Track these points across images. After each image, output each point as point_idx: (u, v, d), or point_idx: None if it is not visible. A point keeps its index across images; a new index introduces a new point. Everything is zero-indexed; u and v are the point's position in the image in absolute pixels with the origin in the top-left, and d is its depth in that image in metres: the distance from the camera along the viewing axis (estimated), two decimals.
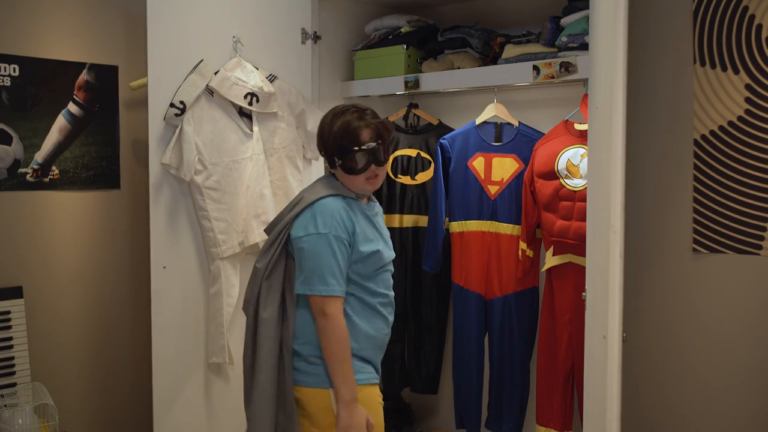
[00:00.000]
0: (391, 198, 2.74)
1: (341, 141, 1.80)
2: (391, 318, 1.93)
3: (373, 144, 1.81)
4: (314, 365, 1.81)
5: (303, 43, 2.60)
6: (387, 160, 1.87)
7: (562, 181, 2.27)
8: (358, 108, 1.86)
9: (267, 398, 1.80)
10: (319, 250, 1.77)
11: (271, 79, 2.45)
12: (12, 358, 2.37)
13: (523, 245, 2.41)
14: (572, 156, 2.26)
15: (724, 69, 2.11)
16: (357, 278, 1.84)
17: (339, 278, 1.77)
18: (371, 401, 1.84)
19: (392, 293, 1.93)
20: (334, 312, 1.77)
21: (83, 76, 2.62)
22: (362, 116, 1.83)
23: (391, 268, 1.95)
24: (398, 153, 2.74)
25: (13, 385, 2.36)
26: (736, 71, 2.09)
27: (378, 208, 2.00)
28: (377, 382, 1.89)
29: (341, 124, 1.81)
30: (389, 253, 1.92)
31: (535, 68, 2.26)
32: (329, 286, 1.76)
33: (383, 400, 1.93)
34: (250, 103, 2.36)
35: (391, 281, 1.94)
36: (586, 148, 2.05)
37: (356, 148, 1.80)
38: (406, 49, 2.65)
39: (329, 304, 1.77)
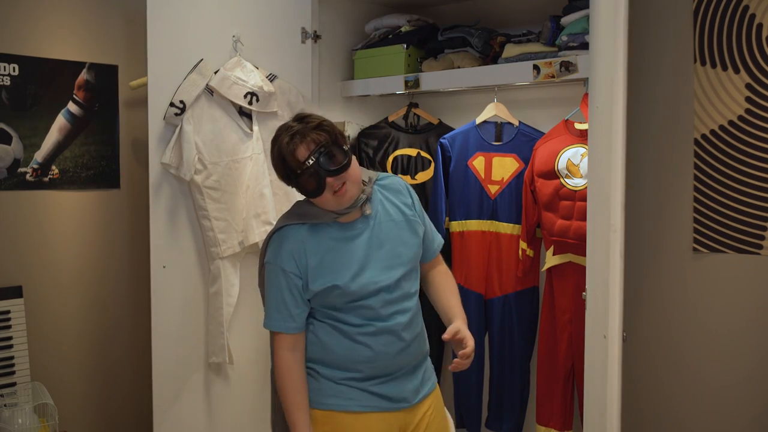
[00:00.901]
0: None
1: (283, 170, 1.64)
2: (383, 347, 1.67)
3: (313, 159, 1.59)
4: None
5: (303, 42, 2.60)
6: (345, 162, 1.61)
7: (562, 180, 2.27)
8: (293, 122, 1.67)
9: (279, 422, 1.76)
10: (269, 281, 1.68)
11: (271, 78, 2.44)
12: (12, 357, 2.37)
13: (523, 245, 2.41)
14: (572, 155, 2.26)
15: (724, 68, 2.11)
16: (325, 309, 1.69)
17: (284, 312, 1.65)
18: (338, 428, 1.68)
19: (383, 322, 1.66)
20: (277, 348, 1.67)
21: (83, 75, 2.62)
22: (294, 133, 1.62)
23: (380, 297, 1.66)
24: (398, 152, 2.74)
25: (13, 384, 2.36)
26: (737, 70, 2.08)
27: (381, 218, 1.72)
28: (362, 410, 1.68)
29: (276, 151, 1.65)
30: (368, 282, 1.65)
31: (536, 67, 2.26)
32: (271, 320, 1.67)
33: None
34: (250, 103, 2.36)
35: (382, 310, 1.66)
36: (587, 147, 2.05)
37: (298, 171, 1.60)
38: (406, 48, 2.65)
39: (274, 339, 1.68)
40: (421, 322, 1.79)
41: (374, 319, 1.66)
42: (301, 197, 1.73)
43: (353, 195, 1.64)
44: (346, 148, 1.64)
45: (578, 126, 2.30)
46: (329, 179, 1.59)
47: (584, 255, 1.91)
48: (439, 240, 1.88)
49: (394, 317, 1.68)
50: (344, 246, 1.67)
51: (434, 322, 2.80)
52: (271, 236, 1.71)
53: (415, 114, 2.80)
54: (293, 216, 1.70)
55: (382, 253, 1.69)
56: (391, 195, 1.78)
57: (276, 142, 1.67)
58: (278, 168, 1.66)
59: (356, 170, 1.66)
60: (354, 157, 1.67)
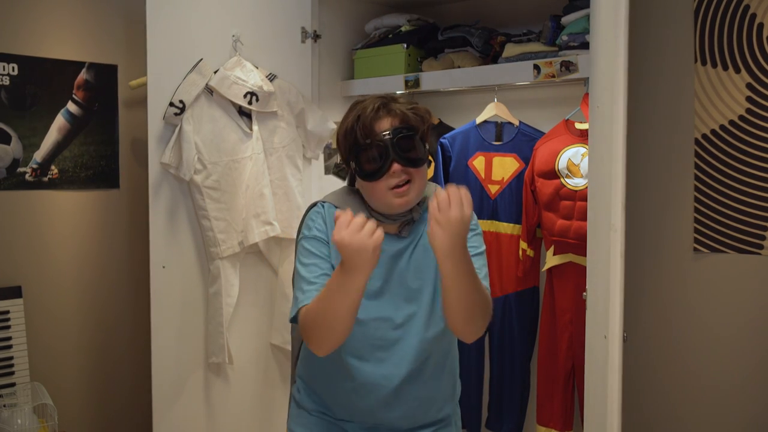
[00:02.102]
0: None
1: (351, 140, 1.42)
2: (367, 388, 1.46)
3: (390, 134, 1.37)
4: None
5: (303, 42, 2.59)
6: (422, 158, 1.41)
7: (562, 180, 2.27)
8: (386, 96, 1.47)
9: None
10: (302, 255, 1.45)
11: (271, 78, 2.44)
12: (11, 358, 2.37)
13: (523, 245, 2.41)
14: (573, 155, 2.26)
15: (725, 68, 2.10)
16: None
17: (305, 287, 1.40)
18: None
19: (374, 365, 1.44)
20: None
21: (82, 75, 2.62)
22: (381, 104, 1.42)
23: (383, 331, 1.45)
24: None
25: (12, 385, 2.35)
26: (737, 70, 2.08)
27: (421, 244, 1.46)
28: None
29: (351, 120, 1.43)
30: (384, 312, 1.44)
31: (536, 67, 2.26)
32: (295, 302, 1.42)
33: None
34: (250, 102, 2.35)
35: (380, 350, 1.45)
36: (587, 147, 2.04)
37: (367, 141, 1.38)
38: (406, 48, 2.64)
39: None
40: (439, 384, 1.52)
41: (372, 351, 1.45)
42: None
43: (409, 201, 1.42)
44: (427, 147, 1.46)
45: (579, 126, 2.29)
46: (396, 166, 1.38)
47: (585, 255, 1.91)
48: (481, 277, 1.46)
49: (390, 361, 1.45)
50: (383, 260, 1.45)
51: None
52: (307, 212, 1.54)
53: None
54: (332, 197, 1.53)
55: (402, 289, 1.46)
56: None
57: (354, 109, 1.45)
58: (345, 138, 1.43)
59: (426, 174, 1.45)
60: (429, 164, 1.52)
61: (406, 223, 1.47)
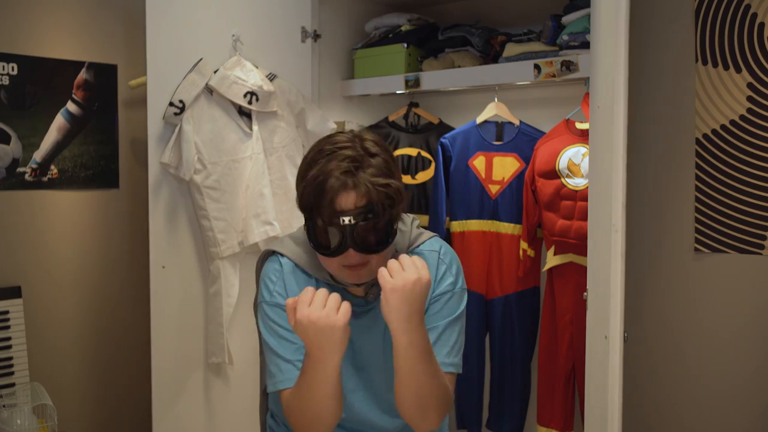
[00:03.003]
0: None
1: (309, 198, 1.22)
2: None
3: (351, 220, 1.18)
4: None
5: (303, 41, 2.59)
6: (384, 242, 1.22)
7: (563, 180, 2.26)
8: (359, 151, 1.21)
9: None
10: (264, 326, 1.31)
11: (271, 77, 2.44)
12: (11, 358, 2.36)
13: (524, 245, 2.40)
14: (573, 155, 2.25)
15: (726, 68, 2.10)
16: None
17: (282, 366, 1.26)
18: None
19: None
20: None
21: (82, 74, 2.61)
22: (349, 170, 1.19)
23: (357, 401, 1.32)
24: (399, 152, 2.73)
25: (12, 385, 2.35)
26: (738, 70, 2.08)
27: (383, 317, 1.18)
28: None
29: (315, 173, 1.21)
30: (372, 387, 1.32)
31: (536, 67, 2.25)
32: (272, 378, 1.28)
33: None
34: (250, 102, 2.35)
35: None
36: (588, 147, 2.04)
37: (323, 218, 1.19)
38: (407, 47, 2.64)
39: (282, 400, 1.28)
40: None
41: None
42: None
43: (364, 279, 1.25)
44: (395, 225, 1.25)
45: (579, 125, 2.29)
46: (351, 252, 1.20)
47: (585, 255, 1.90)
48: (442, 359, 1.30)
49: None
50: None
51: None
52: (262, 262, 1.38)
53: (415, 113, 2.79)
54: (290, 249, 1.35)
55: (386, 361, 1.28)
56: None
57: (316, 161, 1.22)
58: (302, 195, 1.24)
59: (389, 252, 1.26)
60: (404, 217, 1.30)
61: (373, 284, 1.29)
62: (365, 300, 1.32)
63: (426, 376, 1.19)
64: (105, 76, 2.67)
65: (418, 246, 1.37)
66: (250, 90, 2.34)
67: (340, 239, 1.19)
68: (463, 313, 1.35)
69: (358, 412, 1.32)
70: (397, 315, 1.12)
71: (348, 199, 1.19)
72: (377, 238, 1.21)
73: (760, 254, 2.06)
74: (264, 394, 1.52)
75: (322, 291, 1.12)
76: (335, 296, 1.12)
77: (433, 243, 1.38)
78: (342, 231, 1.18)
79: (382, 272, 1.13)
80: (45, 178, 2.54)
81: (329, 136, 1.28)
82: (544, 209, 2.32)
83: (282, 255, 1.34)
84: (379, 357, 1.32)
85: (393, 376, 1.23)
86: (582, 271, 2.09)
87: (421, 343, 1.16)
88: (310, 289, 1.13)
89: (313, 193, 1.20)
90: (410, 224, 1.39)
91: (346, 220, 1.18)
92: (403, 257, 1.15)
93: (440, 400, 1.24)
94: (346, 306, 1.12)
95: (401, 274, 1.12)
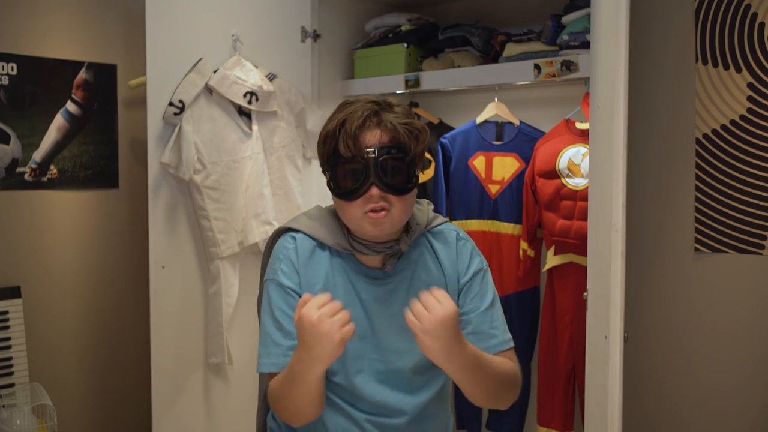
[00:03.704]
0: None
1: (329, 147, 1.23)
2: None
3: (374, 153, 1.19)
4: None
5: (303, 41, 2.59)
6: (407, 185, 1.22)
7: (563, 180, 2.26)
8: (381, 101, 1.25)
9: None
10: (264, 303, 1.31)
11: (271, 77, 2.43)
12: (10, 358, 2.36)
13: (524, 245, 2.40)
14: (573, 155, 2.25)
15: (726, 67, 2.10)
16: None
17: (271, 349, 1.26)
18: None
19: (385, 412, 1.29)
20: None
21: (82, 74, 2.61)
22: (377, 111, 1.22)
23: (366, 381, 1.28)
24: None
25: (12, 385, 2.35)
26: (738, 70, 2.07)
27: (414, 284, 1.28)
28: None
29: (339, 118, 1.23)
30: (357, 360, 1.28)
31: (536, 67, 2.25)
32: (259, 360, 1.28)
33: None
34: (250, 102, 2.35)
35: (385, 394, 1.29)
36: (588, 147, 2.04)
37: (347, 155, 1.20)
38: (407, 47, 2.64)
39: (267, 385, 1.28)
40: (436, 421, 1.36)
41: (371, 407, 1.29)
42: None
43: (383, 231, 1.23)
44: (418, 173, 1.26)
45: (579, 125, 2.29)
46: (375, 190, 1.19)
47: (585, 255, 1.90)
48: (500, 339, 1.32)
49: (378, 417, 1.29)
50: (350, 296, 1.28)
51: None
52: (274, 239, 1.37)
53: (415, 113, 2.79)
54: (306, 224, 1.34)
55: (392, 331, 1.29)
56: (441, 249, 1.35)
57: (341, 111, 1.25)
58: (325, 143, 1.24)
59: (410, 202, 1.26)
60: (416, 190, 1.28)
61: (391, 255, 1.29)
62: (383, 272, 1.30)
63: (487, 381, 1.21)
64: (105, 76, 2.67)
65: (437, 226, 1.38)
66: (249, 90, 2.33)
67: (364, 173, 1.19)
68: (495, 294, 1.37)
69: (371, 393, 1.28)
70: (437, 353, 1.12)
71: (372, 136, 1.21)
72: (401, 177, 1.21)
73: (760, 254, 2.06)
74: (264, 397, 1.49)
75: (338, 303, 1.12)
76: (346, 313, 1.12)
77: (449, 225, 1.41)
78: (366, 164, 1.19)
79: (409, 317, 1.11)
80: (45, 178, 2.54)
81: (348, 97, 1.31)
82: (544, 209, 2.32)
83: (297, 231, 1.33)
84: (395, 332, 1.29)
85: (410, 352, 1.26)
86: (582, 271, 2.09)
87: (469, 362, 1.16)
88: (327, 295, 1.12)
89: (335, 136, 1.21)
90: (426, 205, 1.41)
91: (371, 152, 1.19)
92: (422, 295, 1.12)
93: (508, 386, 1.27)
94: (351, 327, 1.11)
95: (427, 317, 1.09)
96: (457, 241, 1.37)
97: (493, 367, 1.22)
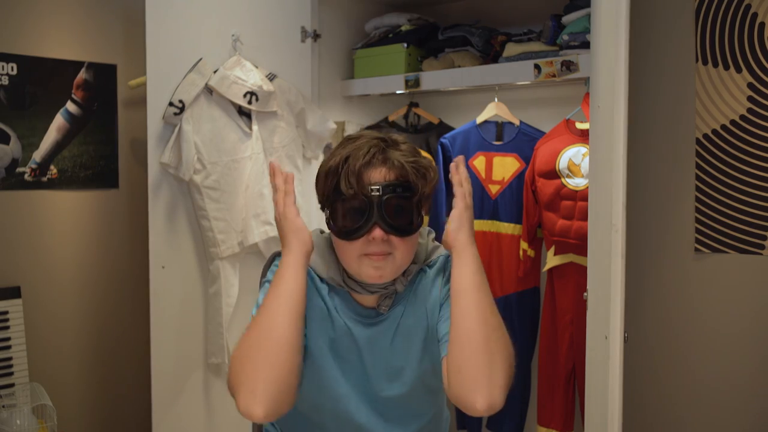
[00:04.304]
0: None
1: (334, 179, 1.15)
2: None
3: (379, 191, 1.12)
4: None
5: (303, 41, 2.59)
6: (412, 227, 1.16)
7: (563, 180, 2.26)
8: (387, 137, 1.19)
9: None
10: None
11: (271, 77, 2.43)
12: (10, 358, 2.36)
13: (524, 245, 2.40)
14: (573, 155, 2.25)
15: (726, 68, 2.10)
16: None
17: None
18: None
19: None
20: None
21: (81, 74, 2.61)
22: (384, 148, 1.16)
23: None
24: None
25: (12, 385, 2.35)
26: (739, 70, 2.07)
27: (404, 326, 1.23)
28: None
29: (344, 153, 1.16)
30: (358, 413, 1.23)
31: (536, 67, 2.25)
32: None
33: None
34: (250, 102, 2.35)
35: None
36: (588, 147, 2.04)
37: (349, 192, 1.12)
38: (407, 47, 2.64)
39: None
40: None
41: None
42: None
43: (383, 277, 1.17)
44: (424, 214, 1.19)
45: (579, 125, 2.29)
46: (378, 231, 1.12)
47: (585, 255, 1.90)
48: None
49: None
50: (346, 337, 1.22)
51: None
52: (270, 263, 1.32)
53: (415, 113, 2.79)
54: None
55: (380, 372, 1.23)
56: (427, 284, 1.27)
57: (344, 146, 1.18)
58: (326, 178, 1.18)
59: (413, 245, 1.20)
60: (421, 230, 1.22)
61: (386, 296, 1.23)
62: (376, 311, 1.24)
63: (494, 317, 1.09)
64: (104, 76, 2.66)
65: (433, 260, 1.31)
66: (249, 90, 2.33)
67: (367, 213, 1.12)
68: None
69: (355, 418, 1.24)
70: (468, 235, 1.14)
71: (378, 173, 1.14)
72: (406, 218, 1.14)
73: (761, 254, 2.06)
74: None
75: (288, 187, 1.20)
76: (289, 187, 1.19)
77: (442, 256, 1.32)
78: (370, 202, 1.12)
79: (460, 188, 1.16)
80: (44, 178, 2.54)
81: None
82: (544, 209, 2.32)
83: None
84: (383, 372, 1.24)
85: (398, 389, 1.22)
86: (582, 271, 2.09)
87: (483, 275, 1.12)
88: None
89: (337, 172, 1.14)
90: (426, 236, 1.34)
91: (375, 190, 1.12)
92: (457, 171, 1.18)
93: (508, 361, 1.09)
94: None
95: (466, 198, 1.16)
96: (444, 270, 1.28)
97: (490, 292, 1.14)
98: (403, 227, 1.14)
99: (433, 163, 1.22)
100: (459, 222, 1.13)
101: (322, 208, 1.22)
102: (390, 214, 1.12)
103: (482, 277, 1.11)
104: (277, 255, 1.30)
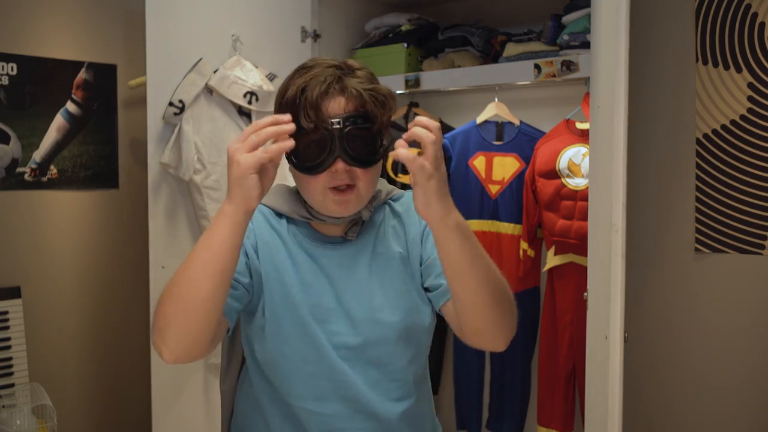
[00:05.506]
0: None
1: (292, 111, 1.08)
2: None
3: (338, 124, 1.06)
4: None
5: (303, 41, 2.59)
6: (374, 157, 1.11)
7: (563, 180, 2.26)
8: (342, 63, 1.14)
9: None
10: None
11: (271, 77, 2.43)
12: (10, 358, 2.36)
13: (524, 245, 2.40)
14: (573, 155, 2.25)
15: (726, 67, 2.10)
16: (254, 362, 1.19)
17: None
18: None
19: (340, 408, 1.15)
20: None
21: (81, 74, 2.61)
22: (340, 77, 1.11)
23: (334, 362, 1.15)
24: None
25: (12, 385, 2.35)
26: (739, 70, 2.07)
27: (379, 252, 1.20)
28: None
29: (300, 82, 1.10)
30: (323, 335, 1.14)
31: (537, 67, 2.25)
32: None
33: None
34: (250, 102, 2.35)
35: (348, 386, 1.15)
36: (588, 147, 2.04)
37: (310, 126, 1.07)
38: (407, 47, 2.64)
39: None
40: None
41: (328, 399, 1.16)
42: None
43: (348, 209, 1.13)
44: (385, 143, 1.13)
45: (579, 125, 2.29)
46: (340, 164, 1.07)
47: (585, 255, 1.90)
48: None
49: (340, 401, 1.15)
50: (309, 264, 1.17)
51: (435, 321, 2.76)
52: None
53: (415, 113, 2.78)
54: (272, 199, 1.25)
55: (360, 300, 1.17)
56: (404, 213, 1.25)
57: (300, 74, 1.12)
58: (283, 110, 1.10)
59: (376, 175, 1.16)
60: (381, 162, 1.16)
61: (353, 223, 1.20)
62: (343, 238, 1.20)
63: (483, 261, 1.05)
64: (104, 76, 2.66)
65: (398, 194, 1.28)
66: (249, 90, 2.33)
67: (328, 146, 1.06)
68: None
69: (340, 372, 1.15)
70: (438, 207, 1.00)
71: (336, 104, 1.08)
72: (368, 149, 1.09)
73: (761, 254, 2.06)
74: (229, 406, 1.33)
75: (262, 132, 0.99)
76: (263, 135, 0.98)
77: (409, 192, 1.19)
78: (331, 136, 1.06)
79: (402, 151, 0.97)
80: (44, 178, 2.54)
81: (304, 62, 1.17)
82: (544, 209, 2.31)
83: (261, 204, 1.24)
84: (363, 300, 1.17)
85: (384, 326, 1.15)
86: (582, 271, 2.09)
87: (463, 224, 1.03)
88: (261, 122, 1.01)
89: (295, 103, 1.08)
90: (384, 183, 1.30)
91: (335, 122, 1.06)
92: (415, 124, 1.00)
93: (505, 286, 1.11)
94: (275, 148, 0.99)
95: (426, 167, 0.98)
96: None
97: (482, 248, 1.07)
98: (366, 158, 1.09)
99: (392, 91, 1.16)
100: (424, 197, 0.99)
101: None
102: (352, 146, 1.07)
103: (469, 245, 1.03)
104: None
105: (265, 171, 1.02)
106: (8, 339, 2.36)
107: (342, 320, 1.16)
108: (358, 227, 1.21)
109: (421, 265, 1.21)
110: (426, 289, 1.21)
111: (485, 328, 1.11)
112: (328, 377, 1.15)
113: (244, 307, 1.17)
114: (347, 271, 1.18)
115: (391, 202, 1.27)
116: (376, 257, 1.20)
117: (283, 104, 1.12)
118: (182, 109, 2.22)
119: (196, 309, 1.02)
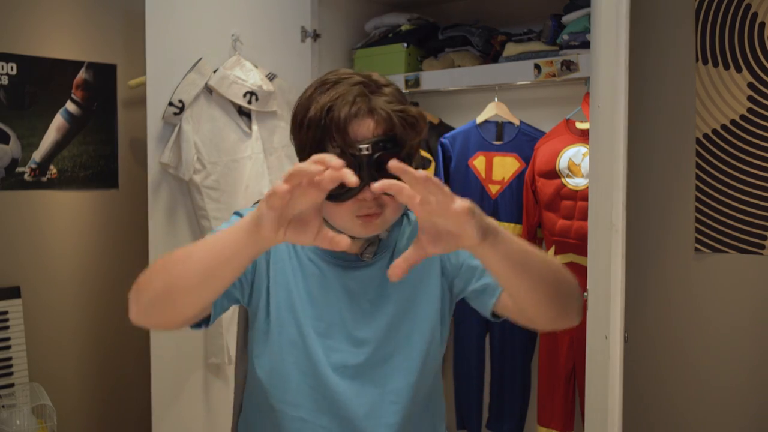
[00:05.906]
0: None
1: (317, 132, 1.03)
2: None
3: (368, 150, 0.98)
4: None
5: (303, 41, 2.58)
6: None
7: (563, 180, 2.26)
8: (367, 78, 1.06)
9: None
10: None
11: (271, 77, 2.43)
12: (10, 358, 2.36)
13: None
14: (574, 155, 2.25)
15: (726, 67, 2.10)
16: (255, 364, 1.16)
17: None
18: None
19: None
20: None
21: (81, 74, 2.61)
22: (362, 95, 1.02)
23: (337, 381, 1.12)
24: None
25: (11, 385, 2.35)
26: (739, 69, 2.07)
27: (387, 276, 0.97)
28: None
29: (325, 101, 1.03)
30: (328, 355, 1.12)
31: (536, 66, 2.25)
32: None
33: None
34: (249, 102, 2.35)
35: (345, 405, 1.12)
36: (588, 146, 2.04)
37: (337, 149, 1.01)
38: (407, 47, 2.63)
39: None
40: None
41: (325, 411, 1.13)
42: None
43: (376, 231, 1.08)
44: (414, 161, 1.06)
45: (579, 125, 2.29)
46: (368, 193, 0.98)
47: (585, 255, 1.90)
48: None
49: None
50: (318, 278, 1.13)
51: None
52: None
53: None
54: None
55: (362, 323, 1.13)
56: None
57: (323, 90, 1.05)
58: (307, 130, 1.05)
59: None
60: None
61: (369, 242, 1.13)
62: (357, 257, 1.14)
63: (540, 264, 0.98)
64: (104, 75, 2.66)
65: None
66: (249, 90, 2.33)
67: (356, 174, 0.85)
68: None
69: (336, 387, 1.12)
70: (474, 235, 0.86)
71: (365, 127, 1.01)
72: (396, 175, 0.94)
73: (761, 254, 2.06)
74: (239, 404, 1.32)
75: (332, 163, 0.82)
76: (332, 179, 0.82)
77: None
78: (359, 163, 0.97)
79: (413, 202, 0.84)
80: (44, 178, 2.54)
81: (327, 72, 1.09)
82: (544, 209, 2.31)
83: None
84: (368, 320, 1.13)
85: (395, 346, 1.11)
86: (582, 271, 2.09)
87: (515, 244, 0.94)
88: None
89: (320, 125, 1.01)
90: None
91: (364, 149, 0.97)
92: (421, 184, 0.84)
93: (566, 275, 1.03)
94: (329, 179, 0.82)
95: (449, 196, 0.84)
96: None
97: (537, 251, 0.99)
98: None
99: (423, 112, 1.09)
100: (459, 227, 0.86)
101: (301, 161, 1.02)
102: (380, 174, 0.95)
103: (510, 260, 0.94)
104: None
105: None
106: (8, 339, 2.36)
107: (344, 339, 1.13)
108: (374, 247, 1.15)
109: (456, 276, 1.15)
110: (471, 292, 1.15)
111: (556, 315, 1.04)
112: (322, 392, 1.12)
113: (235, 303, 1.16)
114: (358, 293, 1.14)
115: (408, 212, 1.20)
116: (389, 282, 1.12)
117: (305, 124, 1.05)
118: (182, 109, 2.22)
119: (178, 298, 0.99)
